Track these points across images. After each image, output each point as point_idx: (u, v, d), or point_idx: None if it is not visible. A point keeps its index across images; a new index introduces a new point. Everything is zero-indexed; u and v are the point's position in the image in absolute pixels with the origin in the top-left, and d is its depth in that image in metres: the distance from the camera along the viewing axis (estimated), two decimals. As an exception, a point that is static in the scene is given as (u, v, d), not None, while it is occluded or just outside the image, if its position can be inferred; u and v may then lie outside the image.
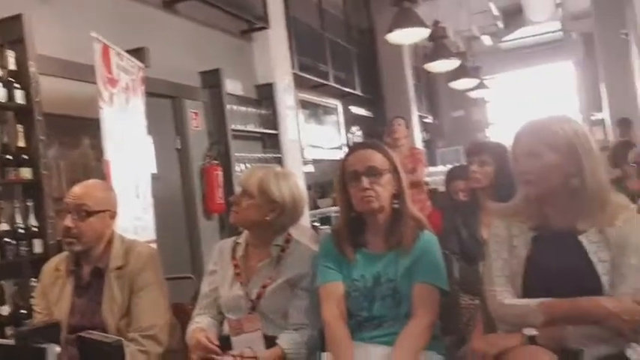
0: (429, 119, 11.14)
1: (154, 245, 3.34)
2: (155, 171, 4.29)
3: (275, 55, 5.75)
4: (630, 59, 5.65)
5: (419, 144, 9.18)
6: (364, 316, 1.98)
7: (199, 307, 2.22)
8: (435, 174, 6.38)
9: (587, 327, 1.63)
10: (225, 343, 2.06)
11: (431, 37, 6.91)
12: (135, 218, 3.40)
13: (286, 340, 2.02)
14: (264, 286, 2.12)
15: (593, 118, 11.15)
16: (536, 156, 1.71)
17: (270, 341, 2.04)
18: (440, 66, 7.47)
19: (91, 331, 1.47)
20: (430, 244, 2.02)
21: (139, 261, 2.24)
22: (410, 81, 9.35)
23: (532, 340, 1.62)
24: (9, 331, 2.99)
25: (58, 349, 1.12)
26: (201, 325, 2.13)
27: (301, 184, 2.27)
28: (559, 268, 1.70)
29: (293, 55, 6.29)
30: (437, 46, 7.27)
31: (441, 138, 11.79)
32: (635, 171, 3.71)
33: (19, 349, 1.13)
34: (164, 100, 4.56)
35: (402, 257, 1.98)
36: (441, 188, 5.01)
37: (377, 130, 6.12)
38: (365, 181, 1.97)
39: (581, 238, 1.71)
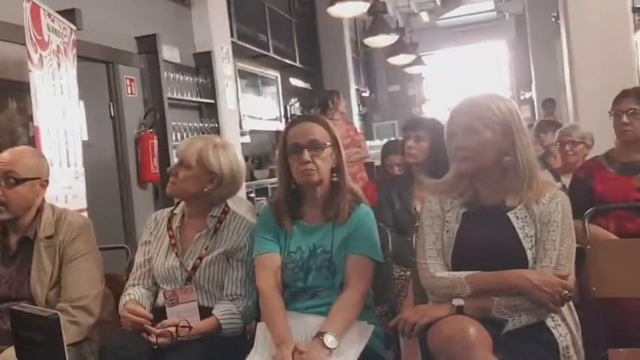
0: (366, 93, 11.24)
1: (85, 214, 3.26)
2: (87, 138, 4.15)
3: (214, 23, 5.63)
4: (559, 41, 5.87)
5: (355, 117, 9.26)
6: (299, 287, 2.01)
7: (133, 278, 2.20)
8: (371, 148, 6.47)
9: (511, 298, 1.72)
10: (159, 314, 2.05)
11: (370, 12, 6.93)
12: (66, 187, 3.30)
13: (221, 311, 2.04)
14: (200, 258, 2.12)
15: (522, 97, 11.56)
16: (473, 132, 1.77)
17: (205, 312, 2.05)
18: (378, 41, 7.51)
19: (24, 304, 1.43)
20: (366, 217, 2.06)
21: (70, 230, 2.19)
22: (349, 54, 9.38)
23: (460, 310, 1.70)
24: None
25: None
26: (133, 297, 2.11)
27: (239, 156, 2.27)
28: (488, 243, 1.78)
29: (232, 24, 6.18)
30: (376, 20, 7.30)
31: (377, 112, 11.93)
32: (558, 150, 3.89)
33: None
34: (98, 65, 4.40)
35: (337, 229, 2.02)
36: (377, 162, 5.10)
37: (313, 103, 6.13)
38: (306, 154, 1.98)
39: (510, 214, 1.80)
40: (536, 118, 9.29)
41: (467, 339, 1.58)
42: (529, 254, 1.76)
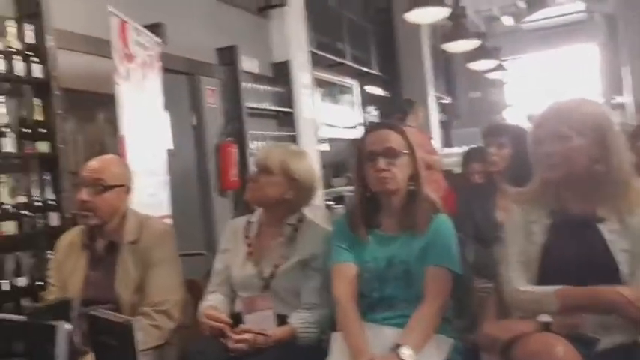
0: (446, 100, 11.03)
1: (168, 221, 3.36)
2: (171, 147, 4.29)
3: (291, 33, 5.70)
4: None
5: (435, 125, 9.10)
6: (376, 297, 1.98)
7: (212, 285, 2.24)
8: (450, 155, 6.32)
9: (603, 315, 1.61)
10: (236, 321, 2.07)
11: (450, 17, 6.79)
12: (150, 194, 3.42)
13: (297, 319, 2.03)
14: (276, 266, 2.13)
15: (613, 101, 10.98)
16: (562, 138, 1.67)
17: (281, 320, 2.05)
18: (458, 46, 7.34)
19: (101, 309, 1.47)
20: (444, 227, 2.00)
21: (152, 236, 2.25)
22: (427, 61, 9.24)
23: (546, 327, 1.60)
24: (25, 302, 3.05)
25: (68, 326, 1.12)
26: (212, 303, 2.14)
27: (314, 163, 2.26)
28: (577, 257, 1.67)
29: (310, 33, 6.23)
30: (456, 25, 7.14)
31: (458, 119, 11.68)
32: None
33: (30, 326, 1.14)
34: (180, 76, 4.55)
35: (415, 239, 1.97)
36: (457, 170, 4.97)
37: (391, 110, 6.06)
38: (382, 162, 1.95)
39: (601, 226, 1.68)
40: (630, 123, 8.79)
41: (554, 357, 1.49)
42: (622, 269, 1.64)
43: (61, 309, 1.15)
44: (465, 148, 4.94)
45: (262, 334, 1.96)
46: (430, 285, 1.92)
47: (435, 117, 9.27)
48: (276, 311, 2.06)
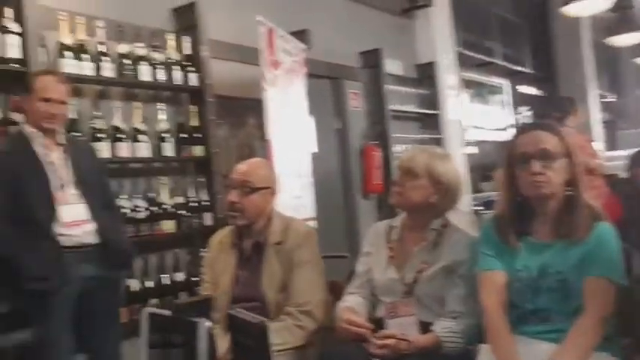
0: (611, 98, 10.14)
1: (312, 223, 3.41)
2: (315, 150, 4.37)
3: (437, 33, 5.57)
4: None
5: (597, 125, 8.41)
6: (528, 309, 1.83)
7: (352, 287, 2.22)
8: (615, 158, 5.79)
9: None
10: (377, 326, 2.02)
11: (614, 8, 6.24)
12: (295, 197, 3.49)
13: (442, 328, 1.94)
14: (419, 271, 2.06)
15: None
16: None
17: (424, 327, 1.97)
18: (624, 40, 6.75)
19: (239, 309, 1.51)
20: (606, 235, 1.81)
21: (296, 238, 2.29)
22: (588, 56, 8.56)
23: None
24: (183, 295, 3.26)
25: (208, 323, 1.16)
26: (349, 304, 2.12)
27: (460, 166, 2.17)
28: None
29: (456, 32, 6.04)
30: (621, 17, 6.56)
31: (624, 119, 10.70)
32: None
33: (174, 320, 1.19)
34: (324, 80, 4.62)
35: (572, 248, 1.80)
36: (622, 174, 4.53)
37: (546, 111, 5.68)
38: (536, 165, 1.81)
39: None
40: None
41: None
42: None
43: (204, 306, 1.19)
44: (632, 151, 4.50)
45: (405, 340, 1.90)
46: (590, 298, 1.75)
47: (596, 117, 8.56)
48: (419, 318, 1.99)
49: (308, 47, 4.03)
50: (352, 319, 2.02)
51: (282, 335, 2.10)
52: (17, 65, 2.68)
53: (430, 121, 5.56)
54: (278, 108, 3.44)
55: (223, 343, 1.66)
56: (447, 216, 2.15)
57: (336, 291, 2.37)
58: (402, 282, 2.07)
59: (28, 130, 2.45)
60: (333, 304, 2.31)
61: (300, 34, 4.07)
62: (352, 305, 2.12)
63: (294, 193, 3.49)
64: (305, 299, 2.19)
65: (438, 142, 5.36)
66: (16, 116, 2.65)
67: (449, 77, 5.65)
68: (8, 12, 2.69)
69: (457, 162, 2.18)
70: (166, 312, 1.23)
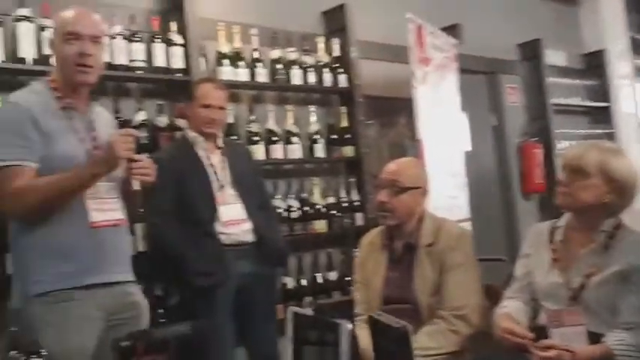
0: None
1: (467, 224, 3.28)
2: (470, 148, 4.21)
3: (607, 18, 5.11)
4: None
5: None
6: None
7: (511, 290, 2.08)
8: None
9: None
10: (539, 334, 1.87)
11: None
12: (448, 197, 3.38)
13: (615, 340, 1.75)
14: (587, 276, 1.87)
15: None
16: None
17: (593, 339, 1.78)
18: None
19: (381, 312, 1.46)
20: None
21: (449, 240, 2.20)
22: None
23: None
24: (336, 294, 3.29)
25: (350, 326, 1.13)
26: (508, 310, 1.98)
27: (636, 163, 1.94)
28: None
29: (629, 15, 5.48)
30: None
31: None
32: None
33: (316, 321, 1.18)
34: (478, 76, 4.44)
35: None
36: None
37: None
38: None
39: None
40: None
41: None
42: None
43: (345, 308, 1.16)
44: None
45: (568, 351, 1.73)
46: None
47: None
48: (587, 328, 1.81)
49: (460, 42, 3.89)
50: (511, 328, 1.89)
51: (436, 339, 2.03)
52: (181, 75, 2.88)
53: (600, 115, 5.12)
54: (429, 106, 3.36)
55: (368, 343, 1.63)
56: (620, 217, 1.93)
57: (492, 295, 2.24)
58: (567, 287, 1.90)
59: (191, 134, 2.61)
60: (490, 309, 2.19)
61: (452, 29, 3.95)
62: (511, 311, 1.98)
63: (446, 193, 3.38)
64: (459, 303, 2.10)
65: (610, 137, 4.92)
66: (180, 122, 2.84)
67: (621, 65, 5.17)
68: (173, 26, 2.90)
69: (632, 158, 1.94)
70: (309, 311, 1.22)
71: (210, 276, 2.44)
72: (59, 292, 1.79)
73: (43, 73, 2.48)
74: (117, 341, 1.23)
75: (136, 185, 1.87)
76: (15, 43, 2.44)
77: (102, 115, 2.03)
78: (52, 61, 2.45)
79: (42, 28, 2.50)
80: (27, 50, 2.45)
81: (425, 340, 2.02)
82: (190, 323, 1.30)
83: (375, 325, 1.29)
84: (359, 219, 3.45)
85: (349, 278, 3.01)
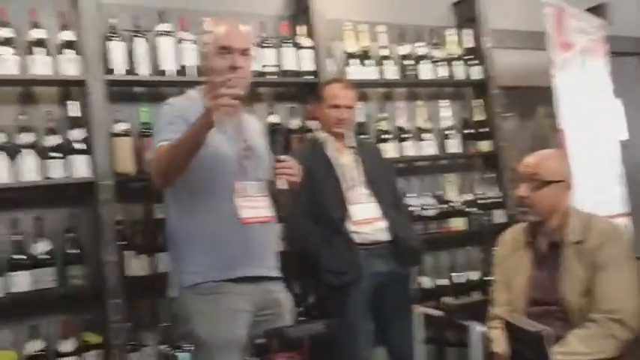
0: None
1: (624, 220, 3.00)
2: (625, 137, 3.85)
3: None
4: None
5: None
6: None
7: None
8: None
9: None
10: None
11: None
12: (597, 190, 3.11)
13: None
14: None
15: None
16: None
17: None
18: None
19: (516, 316, 1.35)
20: None
21: (600, 236, 2.03)
22: None
23: None
24: (475, 295, 3.16)
25: (480, 328, 1.05)
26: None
27: None
28: None
29: None
30: None
31: None
32: None
33: (445, 322, 1.12)
34: (629, 59, 4.05)
35: None
36: None
37: None
38: None
39: None
40: None
41: None
42: None
43: (477, 310, 1.08)
44: None
45: None
46: None
47: None
48: None
49: (607, 23, 3.58)
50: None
51: (588, 344, 1.88)
52: (310, 77, 2.92)
53: None
54: (572, 93, 3.11)
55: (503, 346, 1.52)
56: None
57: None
58: None
59: (321, 135, 2.64)
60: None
61: (598, 10, 3.65)
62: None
63: (595, 185, 3.11)
64: (615, 305, 1.92)
65: None
66: (311, 123, 2.89)
67: None
68: (301, 29, 2.95)
69: None
70: (438, 313, 1.16)
71: (342, 275, 2.45)
72: (210, 283, 1.88)
73: (182, 84, 2.68)
74: (253, 338, 1.25)
75: (281, 185, 1.91)
76: (157, 56, 2.61)
77: (250, 120, 2.14)
78: (190, 72, 2.62)
79: (180, 41, 2.65)
80: (168, 63, 2.62)
81: (576, 344, 1.87)
82: (325, 322, 1.30)
83: (510, 329, 1.20)
84: (498, 216, 3.30)
85: (490, 278, 2.88)
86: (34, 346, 2.28)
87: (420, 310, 1.26)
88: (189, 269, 1.90)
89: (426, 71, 3.24)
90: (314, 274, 2.55)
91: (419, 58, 3.25)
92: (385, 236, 2.54)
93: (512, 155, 3.39)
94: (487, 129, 3.34)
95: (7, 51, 2.33)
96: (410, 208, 3.05)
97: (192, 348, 1.82)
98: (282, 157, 1.96)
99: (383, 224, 2.54)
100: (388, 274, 2.53)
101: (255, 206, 1.96)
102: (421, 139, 3.21)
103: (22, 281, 2.28)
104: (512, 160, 3.32)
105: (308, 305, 2.77)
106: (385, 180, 2.68)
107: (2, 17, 2.36)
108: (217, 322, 1.87)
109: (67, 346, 2.33)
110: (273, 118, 2.87)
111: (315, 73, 2.92)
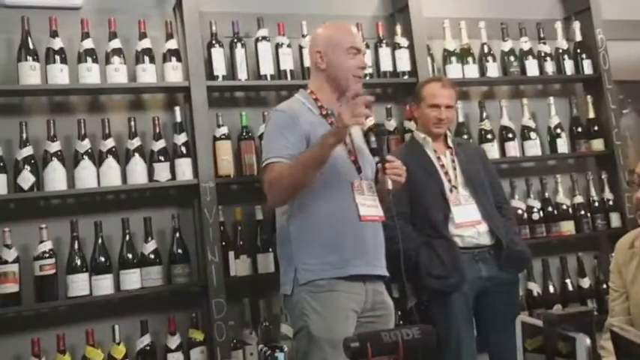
0: None
1: None
2: None
3: None
4: None
5: None
6: None
7: None
8: None
9: None
10: None
11: None
12: None
13: None
14: None
15: None
16: None
17: None
18: None
19: (623, 326, 1.22)
20: None
21: None
22: None
23: None
24: (590, 303, 2.96)
25: (588, 340, 0.95)
26: None
27: None
28: None
29: None
30: None
31: None
32: None
33: (548, 332, 1.03)
34: None
35: None
36: None
37: None
38: None
39: None
40: None
41: None
42: None
43: (582, 320, 0.99)
44: None
45: None
46: None
47: None
48: None
49: None
50: None
51: None
52: (407, 77, 2.87)
53: None
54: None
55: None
56: None
57: None
58: None
59: (420, 136, 2.58)
60: None
61: None
62: None
63: None
64: None
65: None
66: (409, 124, 2.84)
67: None
68: (397, 29, 2.91)
69: None
70: (539, 322, 1.08)
71: (445, 279, 2.37)
72: (325, 281, 1.89)
73: (281, 88, 2.72)
74: (347, 341, 1.22)
75: (389, 185, 1.93)
76: (256, 61, 2.67)
77: None
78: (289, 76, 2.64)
79: (280, 46, 2.70)
80: (267, 67, 2.67)
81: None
82: (421, 327, 1.25)
83: (616, 341, 1.09)
84: (615, 220, 3.07)
85: (605, 286, 2.69)
86: (144, 341, 2.39)
87: (522, 318, 1.18)
88: (304, 267, 1.91)
89: (531, 67, 3.09)
90: (413, 277, 2.50)
91: (523, 54, 3.11)
92: (488, 240, 2.44)
93: (629, 155, 3.15)
94: (600, 127, 3.12)
95: (117, 61, 2.47)
96: (515, 211, 2.90)
97: (287, 348, 1.81)
98: (389, 157, 1.98)
99: (485, 227, 2.44)
100: (491, 279, 2.42)
101: (370, 205, 1.97)
102: (526, 139, 3.06)
103: (132, 279, 2.39)
104: (629, 160, 3.09)
105: (407, 310, 2.72)
106: (487, 181, 2.57)
107: (112, 29, 2.51)
108: (332, 320, 1.87)
109: (174, 342, 2.42)
110: (370, 120, 2.85)
111: (412, 73, 2.87)
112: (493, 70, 3.05)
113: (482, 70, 3.04)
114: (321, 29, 2.12)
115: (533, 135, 3.06)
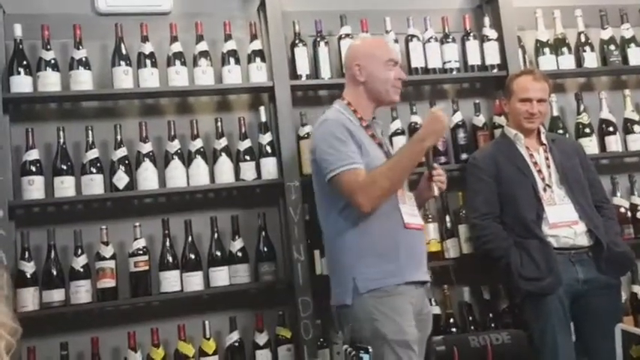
0: None
1: None
2: None
3: None
4: None
5: None
6: None
7: None
8: None
9: None
10: None
11: None
12: None
13: None
14: None
15: None
16: None
17: None
18: None
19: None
20: None
21: None
22: None
23: None
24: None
25: None
26: None
27: None
28: None
29: None
30: None
31: None
32: None
33: None
34: None
35: None
36: None
37: None
38: None
39: None
40: None
41: None
42: None
43: None
44: None
45: None
46: None
47: None
48: None
49: None
50: None
51: None
52: (497, 70, 2.76)
53: None
54: None
55: None
56: None
57: None
58: None
59: (511, 131, 2.48)
60: None
61: None
62: None
63: None
64: None
65: None
66: (499, 119, 2.72)
67: None
68: (486, 21, 2.80)
69: None
70: (638, 330, 0.99)
71: (539, 281, 2.27)
72: (388, 288, 1.90)
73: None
74: (432, 344, 1.18)
75: (436, 192, 2.05)
76: (340, 59, 2.64)
77: (378, 124, 2.17)
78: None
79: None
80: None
81: None
82: (511, 332, 1.19)
83: (626, 338, 0.98)
84: None
85: None
86: (233, 337, 2.44)
87: (622, 326, 1.09)
88: (363, 276, 1.91)
89: (634, 56, 2.88)
90: (505, 279, 2.40)
91: (625, 42, 2.90)
92: (586, 241, 2.32)
93: None
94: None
95: (204, 63, 2.53)
96: (617, 210, 2.71)
97: (371, 351, 1.80)
98: (436, 165, 2.09)
99: (583, 227, 2.32)
100: (589, 282, 2.30)
101: (411, 213, 2.01)
102: (629, 132, 2.85)
103: (220, 276, 2.44)
104: None
105: (499, 312, 2.61)
106: (584, 179, 2.44)
107: (199, 32, 2.57)
108: (402, 322, 1.88)
109: (262, 338, 2.45)
110: (458, 116, 2.75)
111: (501, 66, 2.75)
112: (591, 60, 2.86)
113: (579, 61, 2.87)
114: (357, 42, 2.22)
115: (637, 128, 2.85)
